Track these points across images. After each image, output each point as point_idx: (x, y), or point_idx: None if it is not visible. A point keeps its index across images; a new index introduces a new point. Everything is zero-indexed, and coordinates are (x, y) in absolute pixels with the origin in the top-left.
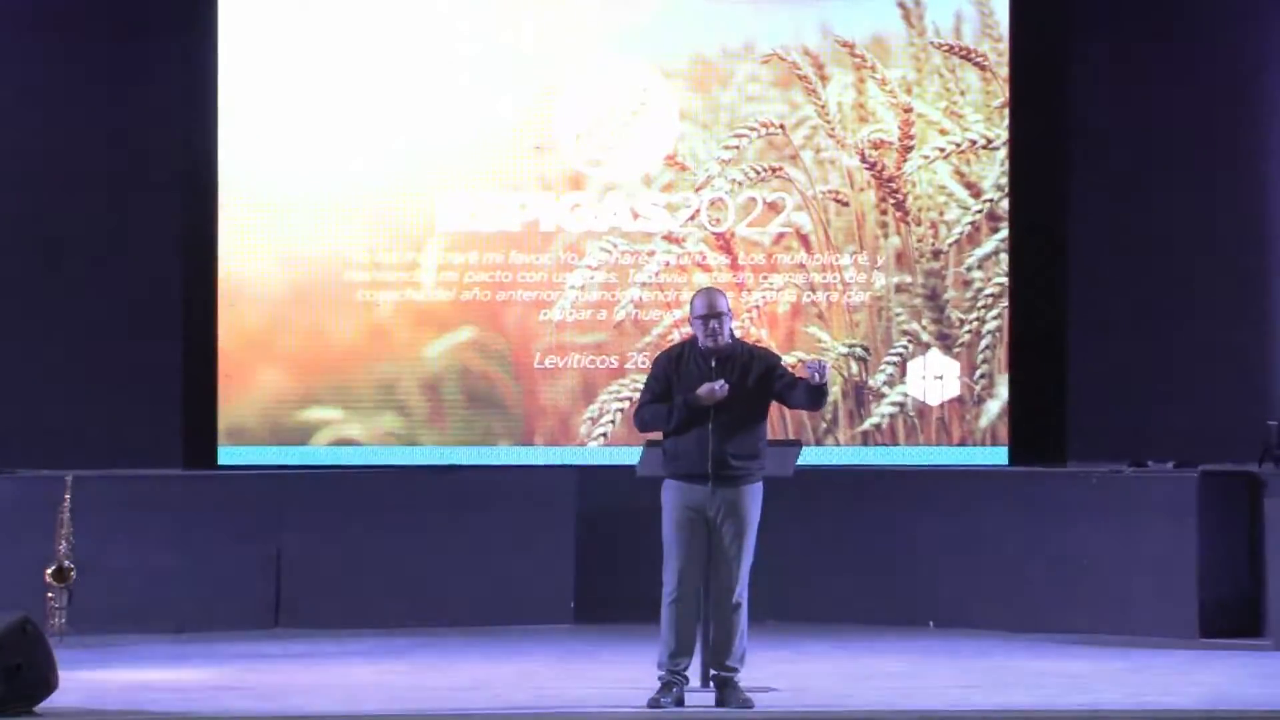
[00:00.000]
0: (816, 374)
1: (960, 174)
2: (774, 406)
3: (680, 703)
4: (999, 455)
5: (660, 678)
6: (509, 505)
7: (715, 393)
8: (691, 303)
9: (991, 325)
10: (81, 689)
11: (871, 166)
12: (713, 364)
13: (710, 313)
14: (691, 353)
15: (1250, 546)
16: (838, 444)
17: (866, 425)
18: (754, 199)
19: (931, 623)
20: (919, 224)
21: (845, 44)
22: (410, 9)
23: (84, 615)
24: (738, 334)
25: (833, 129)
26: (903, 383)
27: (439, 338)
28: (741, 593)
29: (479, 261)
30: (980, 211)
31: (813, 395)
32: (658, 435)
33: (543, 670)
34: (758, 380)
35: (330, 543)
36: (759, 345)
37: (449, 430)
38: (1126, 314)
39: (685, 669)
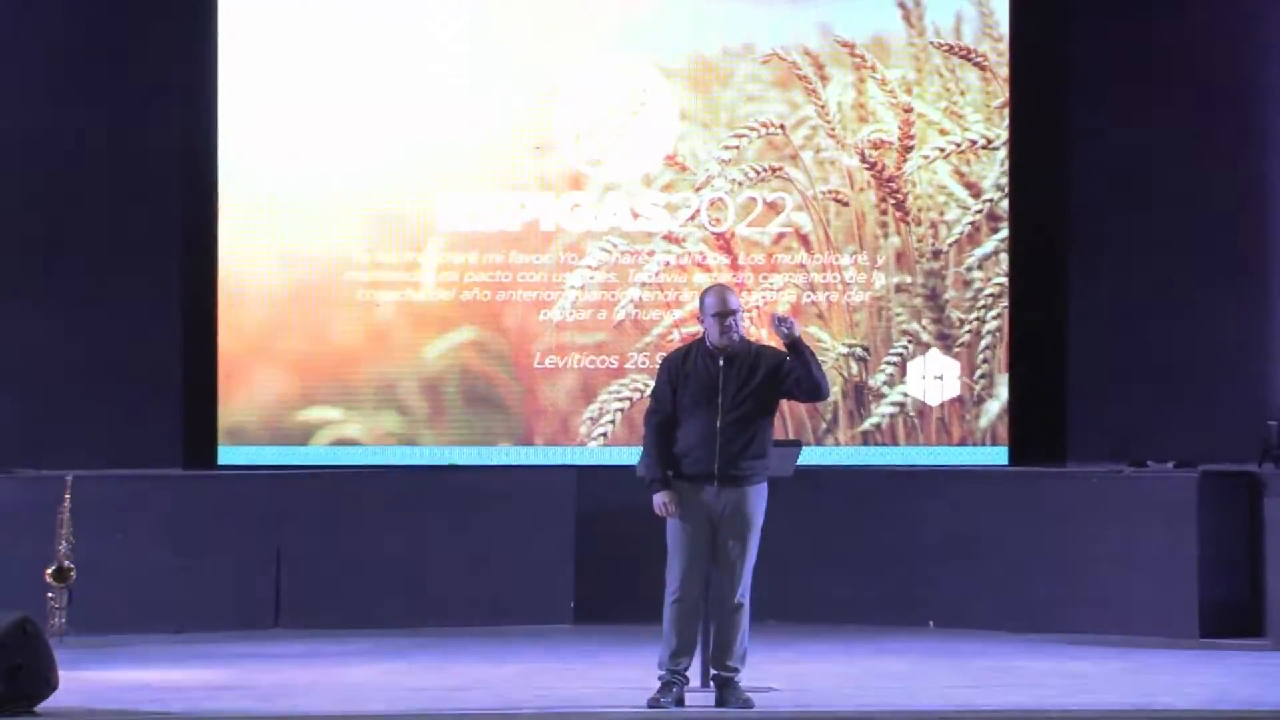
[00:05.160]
0: (784, 328)
1: (960, 174)
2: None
3: (680, 703)
4: (999, 455)
5: (660, 677)
6: (509, 505)
7: (663, 510)
8: (702, 300)
9: (991, 325)
10: (81, 689)
11: (871, 166)
12: (720, 363)
13: (725, 310)
14: (699, 352)
15: (1250, 546)
16: (838, 444)
17: (866, 425)
18: (754, 199)
19: (931, 623)
20: (919, 224)
21: (845, 44)
22: (410, 9)
23: (84, 615)
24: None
25: (833, 129)
26: (903, 383)
27: (439, 338)
28: (744, 593)
29: (479, 261)
30: (980, 211)
31: (808, 378)
32: None
33: (543, 670)
34: (765, 379)
35: (330, 543)
36: (764, 343)
37: (449, 430)
38: (1126, 314)
39: (686, 669)
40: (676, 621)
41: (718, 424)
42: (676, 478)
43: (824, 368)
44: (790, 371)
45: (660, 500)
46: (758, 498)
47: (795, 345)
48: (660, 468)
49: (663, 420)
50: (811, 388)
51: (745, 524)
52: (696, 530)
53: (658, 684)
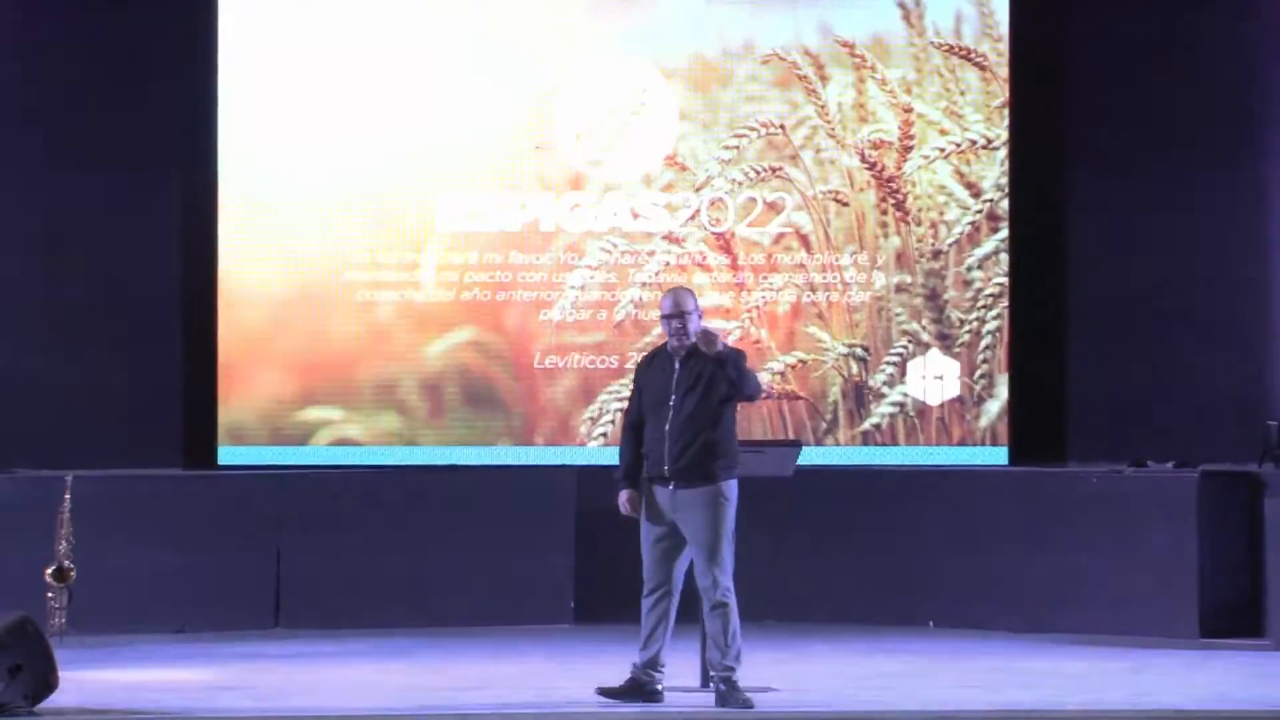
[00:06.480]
0: (705, 345)
1: (960, 174)
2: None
3: (649, 698)
4: (999, 455)
5: (631, 671)
6: (509, 505)
7: (622, 508)
8: (661, 303)
9: (991, 325)
10: (81, 689)
11: (871, 166)
12: (677, 365)
13: (673, 312)
14: (661, 353)
15: (1250, 546)
16: (838, 444)
17: (866, 425)
18: (754, 199)
19: (931, 623)
20: (919, 224)
21: (845, 44)
22: (410, 9)
23: (84, 615)
24: (739, 334)
25: (833, 129)
26: (903, 383)
27: (439, 338)
28: (723, 593)
29: (479, 261)
30: (980, 211)
31: (735, 383)
32: None
33: (543, 670)
34: (710, 379)
35: (330, 543)
36: (729, 344)
37: (449, 430)
38: (1126, 314)
39: (650, 662)
40: (644, 618)
41: (667, 425)
42: (646, 477)
43: (823, 368)
44: (728, 373)
45: (620, 499)
46: (712, 498)
47: (721, 359)
48: (625, 468)
49: (633, 421)
50: (740, 395)
51: (701, 525)
52: (658, 529)
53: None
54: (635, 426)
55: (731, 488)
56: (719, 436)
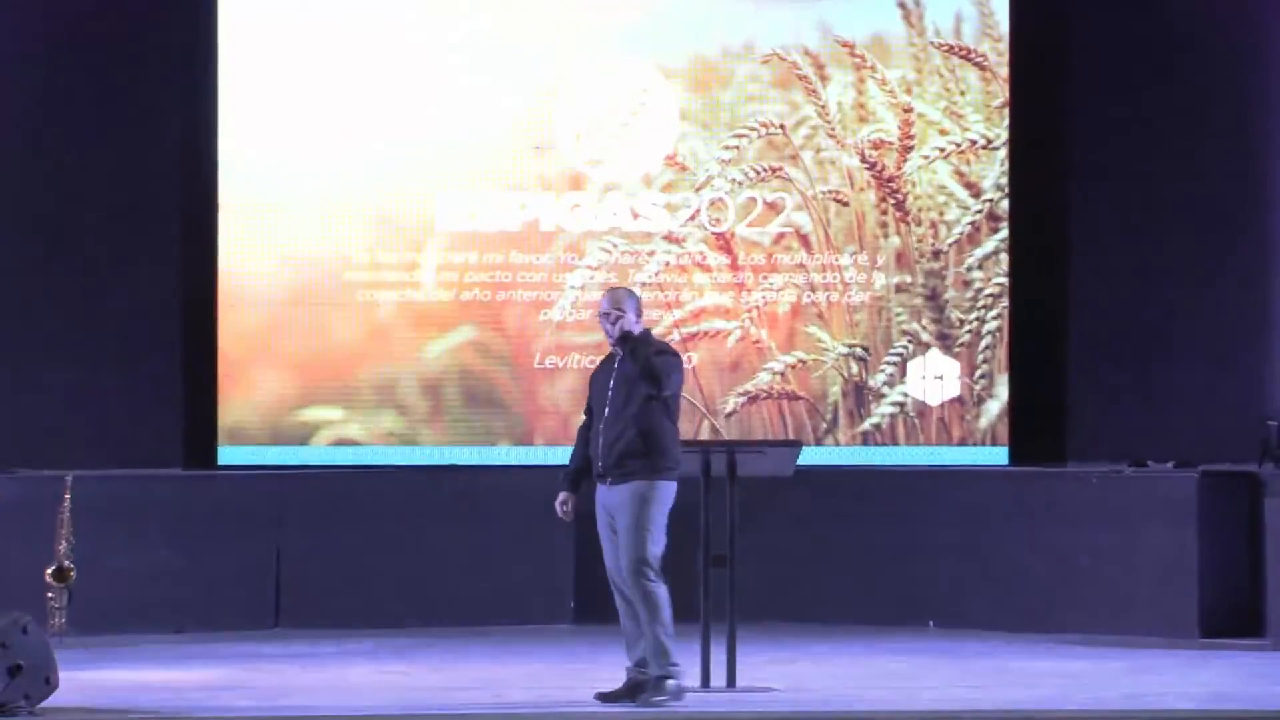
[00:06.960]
0: (605, 321)
1: (960, 174)
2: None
3: (635, 698)
4: (999, 455)
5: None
6: (509, 505)
7: (558, 510)
8: (601, 302)
9: (991, 325)
10: (81, 689)
11: (871, 166)
12: (615, 364)
13: (606, 309)
14: (610, 356)
15: (1250, 546)
16: (838, 444)
17: (866, 425)
18: (754, 199)
19: (931, 623)
20: (919, 224)
21: (845, 44)
22: (410, 9)
23: (84, 615)
24: (739, 334)
25: (833, 129)
26: (903, 383)
27: (439, 338)
28: (646, 591)
29: (479, 261)
30: (980, 211)
31: (643, 372)
32: None
33: (543, 670)
34: (631, 375)
35: (330, 543)
36: (662, 344)
37: (449, 430)
38: (1127, 314)
39: (644, 664)
40: (621, 617)
41: (602, 424)
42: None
43: (823, 368)
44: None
45: (556, 501)
46: (639, 494)
47: (624, 338)
48: (566, 471)
49: (584, 425)
50: (645, 378)
51: (625, 521)
52: (606, 526)
53: None
54: (584, 429)
55: (660, 487)
56: (648, 434)
